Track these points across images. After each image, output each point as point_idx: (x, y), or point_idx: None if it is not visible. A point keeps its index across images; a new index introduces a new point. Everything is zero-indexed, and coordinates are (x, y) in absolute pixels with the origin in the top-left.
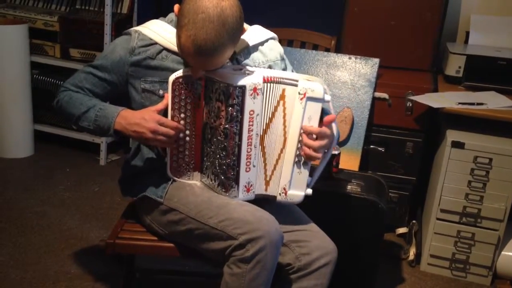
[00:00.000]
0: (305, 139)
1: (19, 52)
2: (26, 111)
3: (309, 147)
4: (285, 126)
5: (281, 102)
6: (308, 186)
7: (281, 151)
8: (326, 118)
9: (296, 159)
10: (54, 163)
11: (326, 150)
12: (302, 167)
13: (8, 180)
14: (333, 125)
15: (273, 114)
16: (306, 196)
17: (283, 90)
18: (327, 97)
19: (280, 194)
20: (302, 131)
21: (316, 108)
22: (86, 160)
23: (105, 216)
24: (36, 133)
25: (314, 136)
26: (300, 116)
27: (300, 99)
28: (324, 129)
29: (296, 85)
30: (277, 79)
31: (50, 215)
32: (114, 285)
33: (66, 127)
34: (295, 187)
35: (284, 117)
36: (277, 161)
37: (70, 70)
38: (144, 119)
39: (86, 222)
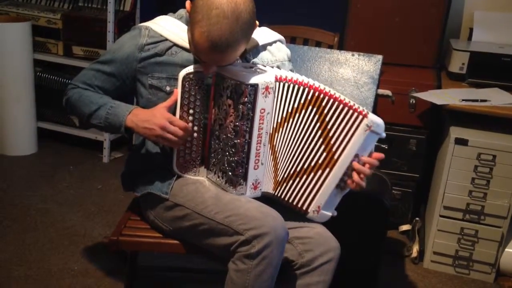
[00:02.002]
0: (359, 166)
1: (22, 50)
2: (29, 108)
3: (363, 173)
4: (329, 143)
5: (313, 110)
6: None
7: (321, 167)
8: (377, 155)
9: (339, 182)
10: (57, 160)
11: None
12: (341, 191)
13: (12, 178)
14: None
15: (290, 114)
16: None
17: (317, 98)
18: (384, 135)
19: (314, 211)
20: (356, 158)
21: (373, 141)
22: (89, 157)
23: (108, 213)
24: (39, 130)
25: (367, 165)
26: (359, 144)
27: (365, 130)
28: (376, 161)
29: (366, 116)
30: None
31: (54, 213)
32: (117, 282)
33: (69, 124)
34: (327, 207)
35: (323, 129)
36: (305, 171)
37: (73, 68)
38: (154, 116)
39: (89, 219)
